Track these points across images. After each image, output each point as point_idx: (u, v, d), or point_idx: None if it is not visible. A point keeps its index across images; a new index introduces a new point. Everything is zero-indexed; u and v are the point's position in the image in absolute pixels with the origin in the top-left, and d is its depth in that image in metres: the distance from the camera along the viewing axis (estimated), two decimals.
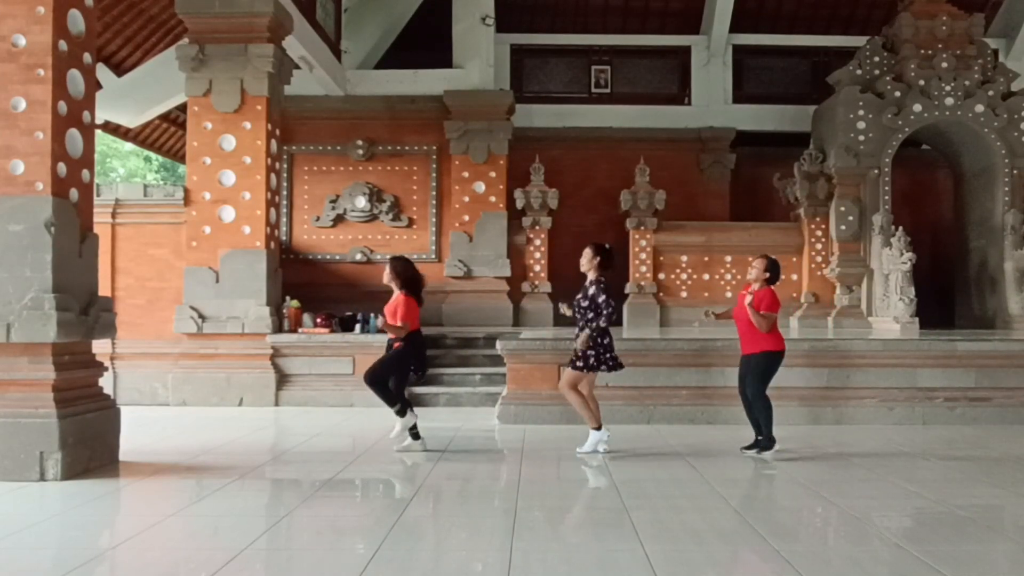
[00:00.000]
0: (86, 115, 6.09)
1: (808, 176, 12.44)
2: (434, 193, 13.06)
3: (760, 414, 6.45)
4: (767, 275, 6.55)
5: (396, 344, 6.63)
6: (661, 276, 12.82)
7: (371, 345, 9.72)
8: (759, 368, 6.45)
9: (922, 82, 12.05)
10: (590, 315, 6.40)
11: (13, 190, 5.66)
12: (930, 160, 14.20)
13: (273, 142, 10.26)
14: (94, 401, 6.05)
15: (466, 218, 12.70)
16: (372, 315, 10.30)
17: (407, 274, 6.72)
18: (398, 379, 6.73)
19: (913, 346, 8.61)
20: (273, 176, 10.28)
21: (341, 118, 13.02)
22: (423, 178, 13.09)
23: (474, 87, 12.83)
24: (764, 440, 6.44)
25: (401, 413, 6.59)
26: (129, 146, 24.92)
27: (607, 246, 6.71)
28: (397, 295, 6.67)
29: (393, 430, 6.68)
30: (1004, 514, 5.00)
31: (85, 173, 6.08)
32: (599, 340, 6.45)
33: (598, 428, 6.51)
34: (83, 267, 6.06)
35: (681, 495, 5.21)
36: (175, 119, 15.77)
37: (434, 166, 13.07)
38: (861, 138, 12.08)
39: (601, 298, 6.40)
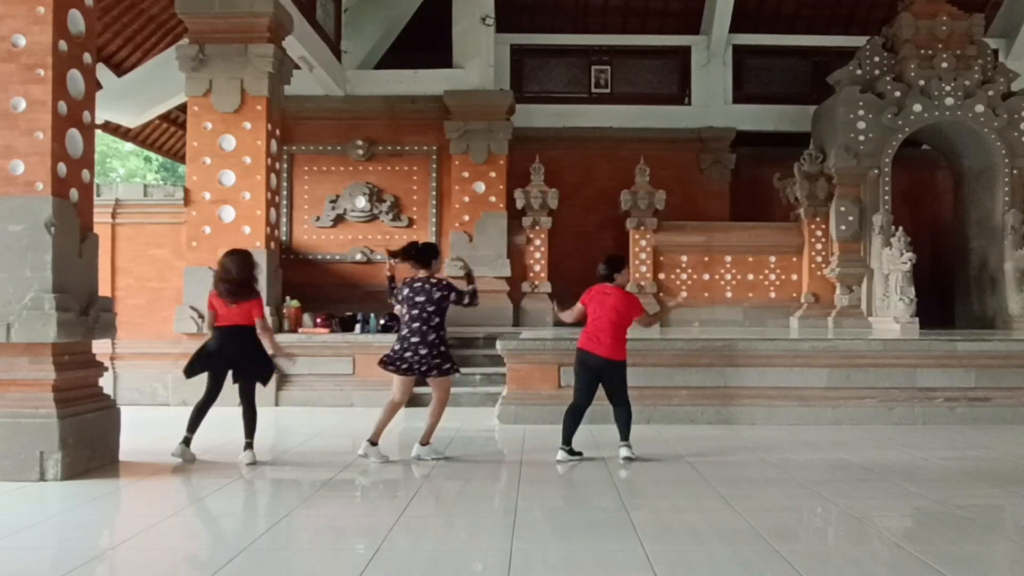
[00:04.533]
0: (86, 115, 6.09)
1: (808, 176, 12.43)
2: (434, 193, 13.06)
3: (629, 416, 6.34)
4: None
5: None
6: (661, 276, 12.82)
7: (371, 345, 9.74)
8: (623, 375, 6.31)
9: (922, 82, 12.05)
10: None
11: (13, 190, 5.66)
12: (930, 160, 14.20)
13: (273, 142, 10.26)
14: (94, 401, 6.06)
15: (466, 218, 12.70)
16: (372, 315, 10.32)
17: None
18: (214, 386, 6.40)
19: (913, 346, 8.60)
20: (273, 176, 10.28)
21: (341, 118, 13.02)
22: (423, 178, 13.09)
23: (474, 87, 12.83)
24: (628, 437, 6.36)
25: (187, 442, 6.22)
26: (129, 146, 24.92)
27: (416, 243, 6.40)
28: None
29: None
30: (1004, 514, 5.00)
31: (85, 173, 6.08)
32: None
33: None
34: (83, 267, 6.06)
35: (681, 495, 5.21)
36: (175, 119, 15.77)
37: (434, 166, 13.07)
38: (861, 138, 12.08)
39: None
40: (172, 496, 5.31)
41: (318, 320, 10.18)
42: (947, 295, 13.30)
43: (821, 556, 4.02)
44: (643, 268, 12.70)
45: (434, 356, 6.14)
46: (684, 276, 12.83)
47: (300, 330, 10.07)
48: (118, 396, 9.42)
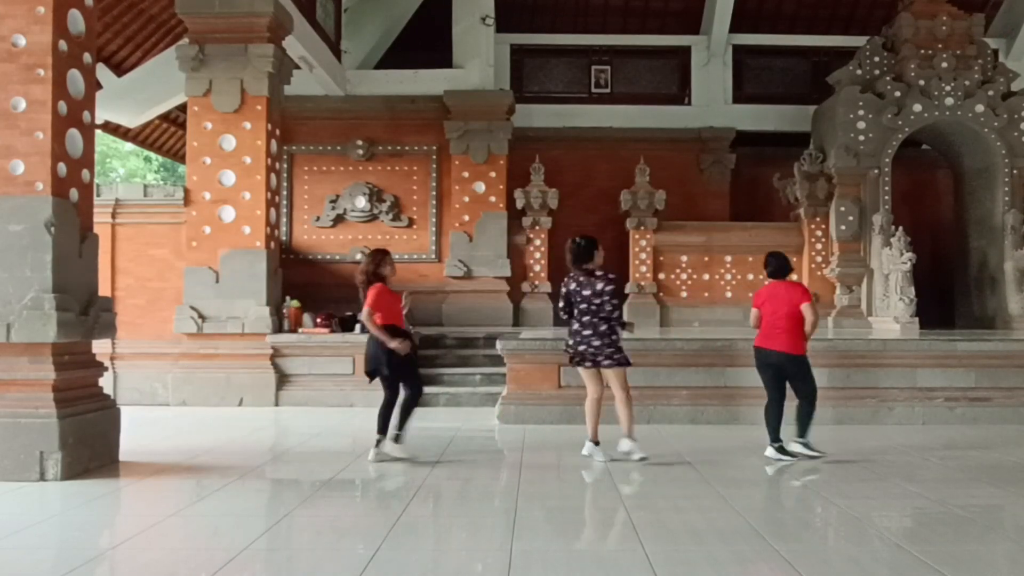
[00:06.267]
0: (86, 115, 6.09)
1: (808, 176, 12.43)
2: (434, 193, 13.06)
3: (809, 412, 6.31)
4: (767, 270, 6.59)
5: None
6: (661, 276, 12.82)
7: None
8: (807, 367, 6.35)
9: (922, 82, 12.05)
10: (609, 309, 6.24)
11: (13, 190, 5.66)
12: (930, 160, 14.19)
13: (273, 142, 10.26)
14: (94, 401, 6.06)
15: (466, 218, 12.70)
16: None
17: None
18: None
19: (913, 346, 8.61)
20: (273, 176, 10.28)
21: (341, 118, 13.02)
22: (423, 178, 13.09)
23: (474, 87, 12.83)
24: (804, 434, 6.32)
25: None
26: (129, 146, 24.92)
27: (576, 240, 6.43)
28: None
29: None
30: (1004, 514, 5.00)
31: (85, 173, 6.08)
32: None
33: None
34: (83, 267, 6.06)
35: (681, 495, 5.20)
36: (175, 119, 15.77)
37: (434, 166, 13.07)
38: (861, 138, 12.07)
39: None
40: (172, 496, 5.31)
41: (318, 320, 10.18)
42: (947, 295, 13.30)
43: (821, 556, 4.02)
44: (643, 268, 12.70)
45: (607, 346, 6.21)
46: (684, 276, 12.83)
47: (300, 330, 10.07)
48: (118, 396, 9.42)
